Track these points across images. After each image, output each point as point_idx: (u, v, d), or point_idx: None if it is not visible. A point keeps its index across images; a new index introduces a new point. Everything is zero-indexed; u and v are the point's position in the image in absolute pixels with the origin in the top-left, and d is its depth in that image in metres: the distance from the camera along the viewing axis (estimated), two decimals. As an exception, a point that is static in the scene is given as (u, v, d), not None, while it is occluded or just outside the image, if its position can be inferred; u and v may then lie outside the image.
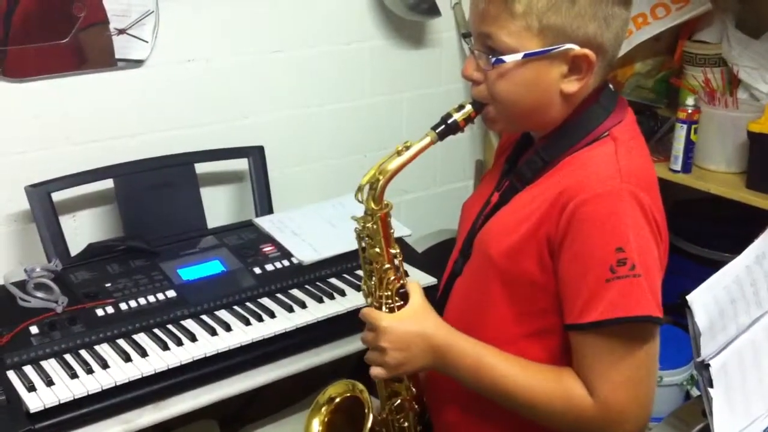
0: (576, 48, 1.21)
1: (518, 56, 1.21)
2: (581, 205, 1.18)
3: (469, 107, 1.28)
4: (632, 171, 1.21)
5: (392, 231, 1.35)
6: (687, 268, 2.32)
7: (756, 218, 2.03)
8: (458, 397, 1.38)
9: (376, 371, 1.33)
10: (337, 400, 1.48)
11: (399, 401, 1.42)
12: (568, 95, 1.25)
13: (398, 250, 1.36)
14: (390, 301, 1.34)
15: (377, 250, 1.34)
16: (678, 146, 2.20)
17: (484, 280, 1.33)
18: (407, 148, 1.28)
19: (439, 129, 1.28)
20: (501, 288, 1.30)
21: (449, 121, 1.28)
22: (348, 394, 1.47)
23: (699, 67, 2.35)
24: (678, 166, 2.21)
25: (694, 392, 2.28)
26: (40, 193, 1.90)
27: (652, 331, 1.21)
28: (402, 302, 1.35)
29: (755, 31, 2.33)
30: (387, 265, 1.34)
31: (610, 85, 1.32)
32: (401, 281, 1.35)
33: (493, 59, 1.22)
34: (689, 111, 2.16)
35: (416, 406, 1.44)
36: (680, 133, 2.19)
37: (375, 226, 1.33)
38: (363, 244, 1.36)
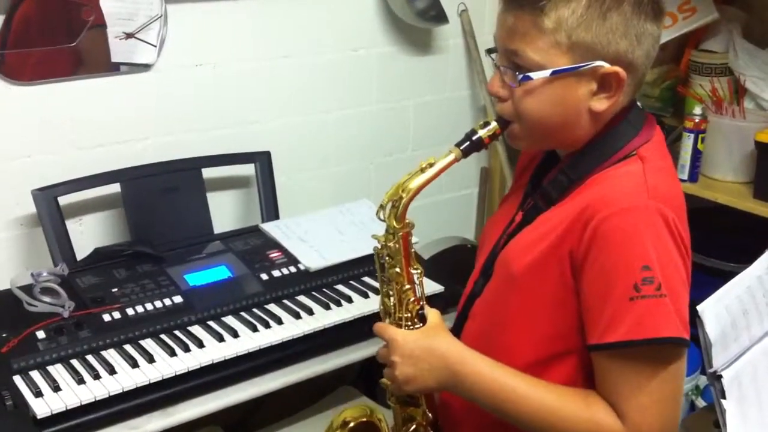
0: (606, 65, 1.18)
1: (546, 73, 1.18)
2: (606, 220, 1.15)
3: (494, 124, 1.25)
4: (659, 189, 1.18)
5: (413, 250, 1.33)
6: (692, 278, 2.31)
7: (763, 228, 2.03)
8: (472, 420, 1.35)
9: (389, 388, 1.32)
10: (352, 424, 1.45)
11: (414, 426, 1.39)
12: (597, 113, 1.22)
13: (420, 270, 1.33)
14: (410, 323, 1.32)
15: (397, 269, 1.31)
16: (685, 155, 2.20)
17: (505, 301, 1.31)
18: (431, 165, 1.25)
19: (464, 146, 1.25)
20: (522, 309, 1.28)
21: (474, 138, 1.25)
22: (364, 419, 1.45)
23: (706, 77, 2.35)
24: (685, 175, 2.20)
25: (699, 402, 2.28)
26: (47, 196, 1.89)
27: (679, 352, 1.17)
28: (421, 324, 1.32)
29: (762, 41, 2.33)
30: (407, 286, 1.31)
31: (639, 103, 1.29)
32: (421, 302, 1.32)
33: (520, 76, 1.20)
34: (696, 120, 2.16)
35: None
36: (687, 142, 2.19)
37: (397, 246, 1.30)
38: (383, 263, 1.33)
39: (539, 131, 1.25)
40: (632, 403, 1.16)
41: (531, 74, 1.19)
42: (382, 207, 1.28)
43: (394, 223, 1.28)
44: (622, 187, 1.19)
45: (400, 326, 1.32)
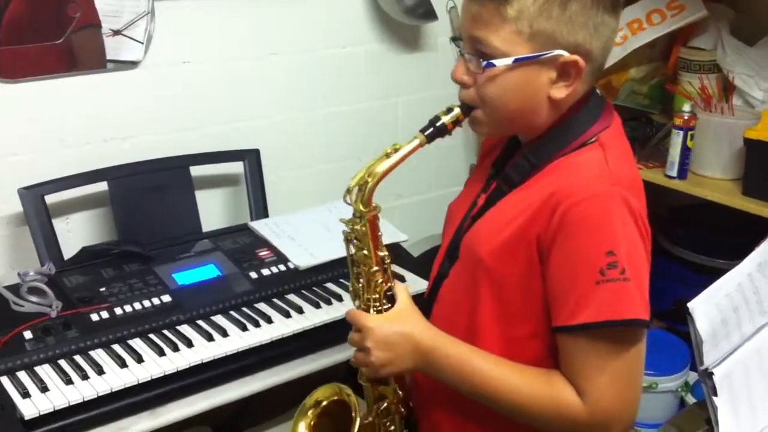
0: (565, 54, 1.21)
1: (508, 60, 1.22)
2: (572, 207, 1.19)
3: (457, 110, 1.29)
4: (621, 175, 1.23)
5: (381, 233, 1.35)
6: (682, 275, 2.32)
7: (752, 225, 2.04)
8: (445, 398, 1.38)
9: (363, 371, 1.34)
10: (324, 403, 1.46)
11: (386, 404, 1.42)
12: (556, 101, 1.26)
13: (386, 253, 1.36)
14: (378, 303, 1.34)
15: (365, 252, 1.34)
16: (674, 152, 2.19)
17: (471, 282, 1.33)
18: (396, 150, 1.28)
19: (428, 132, 1.28)
20: (489, 290, 1.30)
21: (437, 124, 1.28)
22: (335, 398, 1.47)
23: (695, 74, 2.35)
24: (674, 173, 2.20)
25: (689, 399, 2.29)
26: (34, 195, 1.87)
27: (640, 334, 1.22)
28: (390, 305, 1.35)
29: (750, 39, 2.33)
30: (375, 268, 1.34)
31: (598, 91, 1.33)
32: (389, 284, 1.35)
33: (484, 63, 1.23)
34: (686, 117, 2.16)
35: (402, 410, 1.44)
36: (677, 139, 2.18)
37: (363, 229, 1.33)
38: (351, 247, 1.36)
39: (501, 117, 1.29)
40: (593, 382, 1.20)
41: (494, 61, 1.22)
42: (349, 191, 1.30)
43: (361, 207, 1.30)
44: (586, 174, 1.23)
45: (369, 308, 1.34)
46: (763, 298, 1.35)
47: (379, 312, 1.34)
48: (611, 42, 1.27)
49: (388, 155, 1.28)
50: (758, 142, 2.04)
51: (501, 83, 1.24)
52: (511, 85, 1.24)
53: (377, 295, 1.34)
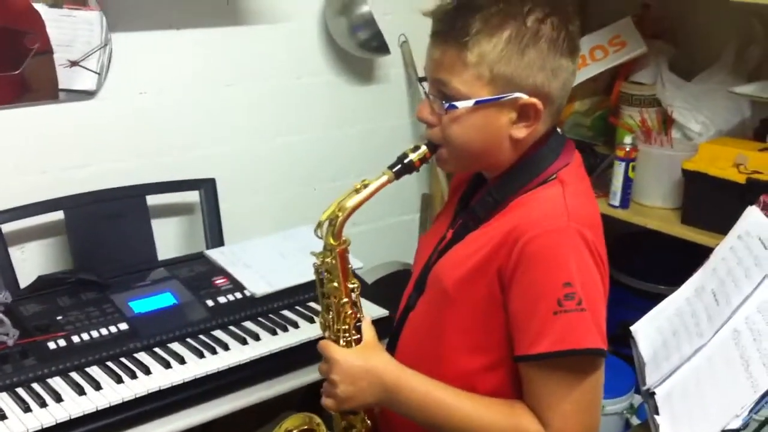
0: (524, 97, 1.27)
1: (470, 103, 1.28)
2: (531, 241, 1.24)
3: (424, 148, 1.34)
4: (578, 211, 1.28)
5: (350, 266, 1.39)
6: (625, 300, 2.39)
7: (690, 252, 2.12)
8: (412, 429, 1.40)
9: (326, 402, 1.36)
10: None
11: None
12: (517, 140, 1.32)
13: (357, 284, 1.39)
14: (347, 334, 1.38)
15: (335, 284, 1.37)
16: (617, 183, 2.28)
17: (438, 314, 1.37)
18: (365, 186, 1.32)
19: (396, 168, 1.33)
20: (453, 320, 1.35)
21: (405, 161, 1.33)
22: (305, 428, 1.49)
23: (635, 107, 2.45)
24: (617, 202, 2.29)
25: (634, 420, 2.35)
26: (-11, 224, 1.87)
27: (598, 362, 1.27)
28: (359, 335, 1.38)
29: (688, 74, 2.44)
30: (345, 300, 1.37)
31: (558, 130, 1.39)
32: (358, 315, 1.39)
33: (446, 105, 1.29)
34: (627, 149, 2.25)
35: None
36: (619, 170, 2.27)
37: (334, 261, 1.36)
38: (321, 279, 1.39)
39: (464, 155, 1.35)
40: (556, 411, 1.24)
41: (456, 104, 1.28)
42: (319, 225, 1.35)
43: (331, 240, 1.34)
44: (545, 210, 1.29)
45: (338, 338, 1.38)
46: (700, 321, 1.42)
47: (348, 342, 1.37)
48: (570, 83, 1.33)
49: (357, 191, 1.32)
50: (695, 173, 2.13)
51: (464, 124, 1.29)
52: (474, 126, 1.29)
53: (347, 326, 1.37)
